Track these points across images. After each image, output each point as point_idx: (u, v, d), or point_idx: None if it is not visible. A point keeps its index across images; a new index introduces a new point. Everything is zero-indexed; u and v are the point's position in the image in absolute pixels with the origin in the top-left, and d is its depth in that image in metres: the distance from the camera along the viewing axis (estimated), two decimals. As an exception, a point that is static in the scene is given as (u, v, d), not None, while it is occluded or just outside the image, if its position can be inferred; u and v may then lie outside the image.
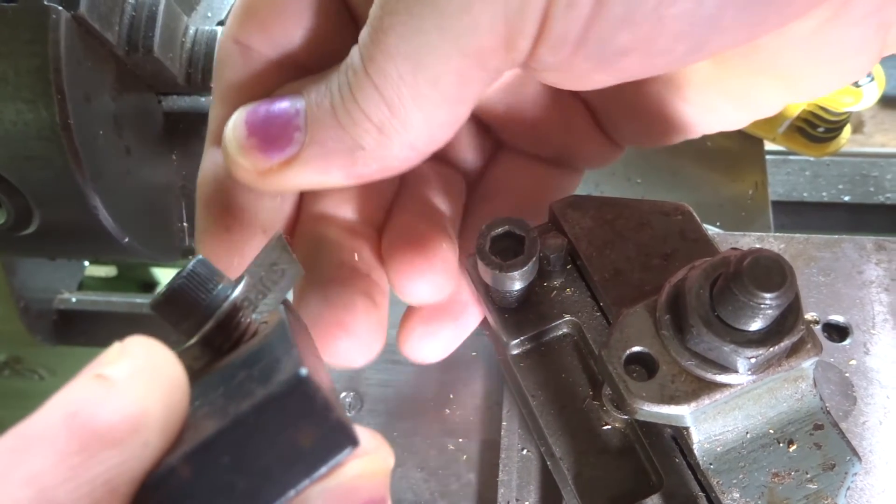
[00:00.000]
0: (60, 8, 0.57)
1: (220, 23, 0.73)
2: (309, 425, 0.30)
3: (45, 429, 0.27)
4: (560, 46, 0.34)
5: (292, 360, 0.30)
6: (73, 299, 1.02)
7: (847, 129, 0.83)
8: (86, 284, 1.12)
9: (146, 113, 0.70)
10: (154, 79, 0.68)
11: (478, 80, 0.36)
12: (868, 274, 0.55)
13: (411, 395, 0.58)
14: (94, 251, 0.84)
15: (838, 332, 0.54)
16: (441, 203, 0.48)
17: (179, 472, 0.29)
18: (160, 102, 0.72)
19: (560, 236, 0.49)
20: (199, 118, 0.74)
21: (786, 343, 0.40)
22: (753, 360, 0.40)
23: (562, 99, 0.48)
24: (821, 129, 0.81)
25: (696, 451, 0.43)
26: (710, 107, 0.46)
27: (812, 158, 0.92)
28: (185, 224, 0.76)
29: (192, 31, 0.70)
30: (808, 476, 0.43)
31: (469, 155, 0.51)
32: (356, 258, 0.44)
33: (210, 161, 0.44)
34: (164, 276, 1.25)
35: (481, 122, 0.51)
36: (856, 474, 0.43)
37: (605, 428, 0.49)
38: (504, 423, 0.53)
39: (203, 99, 0.72)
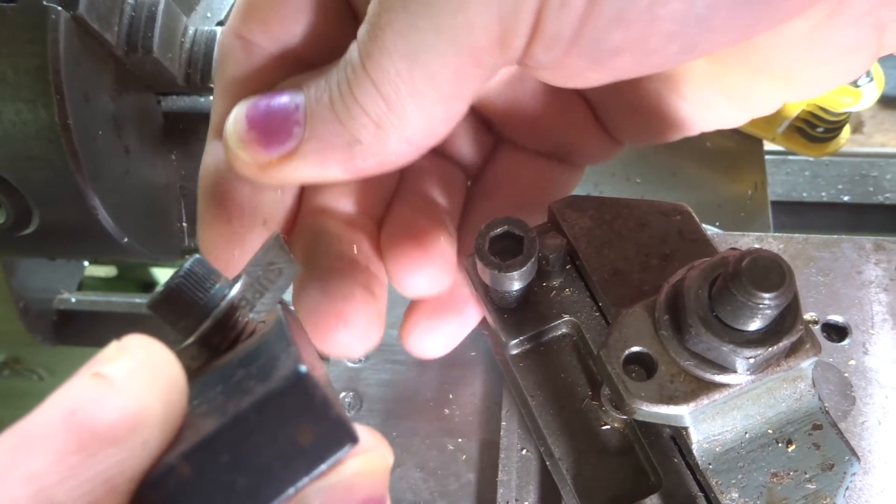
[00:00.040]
0: (60, 8, 0.57)
1: (220, 23, 0.73)
2: (308, 422, 0.30)
3: (43, 428, 0.27)
4: (553, 45, 0.34)
5: (291, 358, 0.30)
6: (73, 299, 1.02)
7: (846, 129, 0.83)
8: (85, 284, 1.12)
9: (145, 113, 0.70)
10: (153, 79, 0.68)
11: (474, 77, 0.36)
12: (867, 274, 0.55)
13: (411, 395, 0.58)
14: (94, 251, 0.84)
15: (837, 332, 0.54)
16: (440, 197, 0.49)
17: (179, 471, 0.29)
18: (159, 102, 0.72)
19: (559, 236, 0.49)
20: (199, 118, 0.74)
21: (784, 343, 0.40)
22: (752, 361, 0.40)
23: (561, 94, 0.49)
24: (820, 129, 0.81)
25: (695, 451, 0.43)
26: (707, 105, 0.46)
27: (811, 158, 0.92)
28: (184, 224, 0.76)
29: (191, 31, 0.70)
30: (807, 476, 0.43)
31: (469, 150, 0.51)
32: (355, 251, 0.44)
33: (211, 154, 0.45)
34: (164, 276, 1.25)
35: (481, 117, 0.51)
36: (854, 474, 0.43)
37: (604, 428, 0.49)
38: (503, 423, 0.53)
39: (202, 99, 0.72)
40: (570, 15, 0.33)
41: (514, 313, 0.50)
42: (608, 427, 0.49)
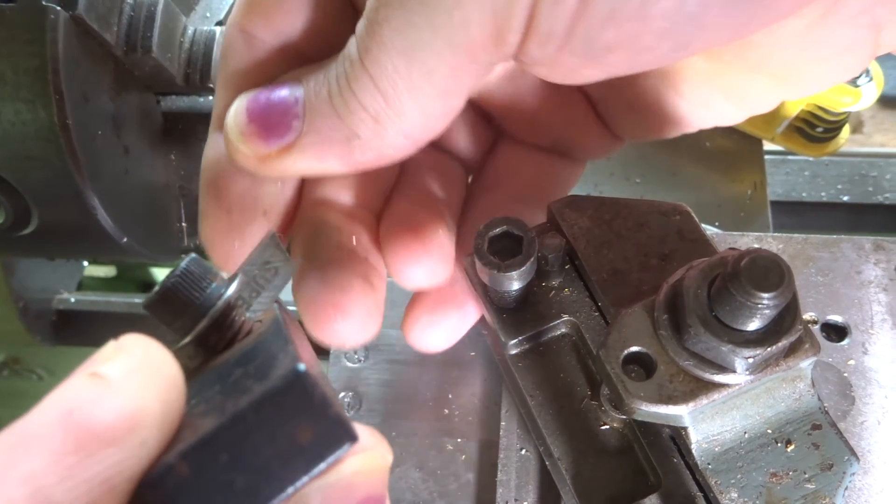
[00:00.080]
0: (59, 8, 0.57)
1: (219, 23, 0.73)
2: (307, 421, 0.30)
3: (40, 428, 0.27)
4: (547, 42, 0.35)
5: (289, 357, 0.30)
6: (72, 299, 1.02)
7: (846, 129, 0.83)
8: (85, 284, 1.12)
9: (145, 113, 0.70)
10: (152, 79, 0.68)
11: (470, 73, 0.37)
12: (866, 274, 0.55)
13: (410, 395, 0.58)
14: (93, 251, 0.84)
15: (837, 332, 0.54)
16: (440, 191, 0.49)
17: (177, 471, 0.29)
18: (159, 102, 0.72)
19: (558, 236, 0.49)
20: (198, 118, 0.74)
21: (783, 343, 0.40)
22: (751, 360, 0.40)
23: (562, 90, 0.49)
24: (819, 129, 0.81)
25: (694, 451, 0.43)
26: (705, 102, 0.46)
27: (811, 158, 0.92)
28: (183, 224, 0.76)
29: (190, 31, 0.70)
30: (806, 476, 0.43)
31: (469, 144, 0.52)
32: (354, 242, 0.45)
33: (213, 146, 0.45)
34: (163, 276, 1.25)
35: (482, 112, 0.51)
36: (854, 474, 0.43)
37: (603, 428, 0.49)
38: (503, 423, 0.53)
39: (201, 99, 0.72)
40: (563, 12, 0.33)
41: (513, 313, 0.50)
42: (607, 427, 0.49)
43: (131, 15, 0.63)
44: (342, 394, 0.58)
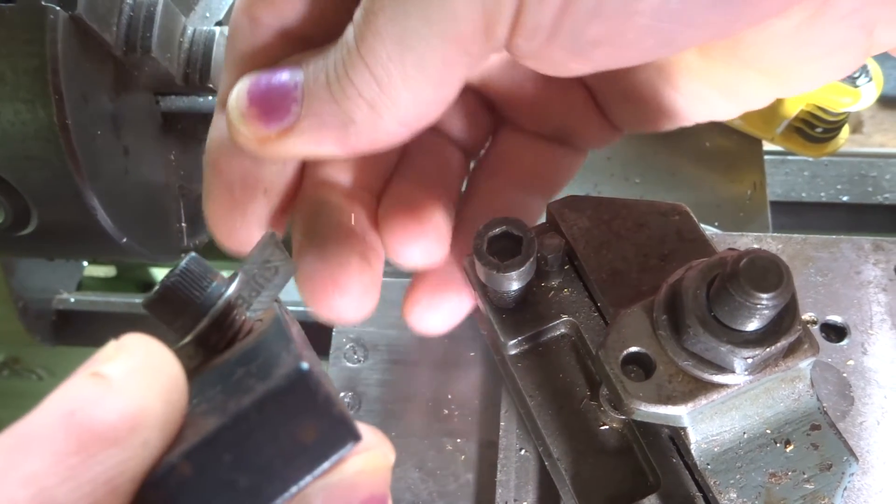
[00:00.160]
0: (58, 8, 0.57)
1: (219, 23, 0.73)
2: (310, 420, 0.30)
3: (42, 428, 0.27)
4: (534, 35, 0.36)
5: (292, 355, 0.30)
6: (72, 299, 1.02)
7: (845, 130, 0.83)
8: (85, 284, 1.12)
9: (144, 113, 0.70)
10: (152, 79, 0.68)
11: (461, 63, 0.37)
12: (866, 274, 0.55)
13: (409, 395, 0.58)
14: (93, 251, 0.84)
15: (836, 333, 0.54)
16: (439, 175, 0.50)
17: (180, 470, 0.29)
18: (158, 103, 0.72)
19: (557, 237, 0.49)
20: (198, 118, 0.74)
21: (782, 343, 0.40)
22: (750, 361, 0.40)
23: (561, 79, 0.49)
24: (819, 130, 0.81)
25: (693, 452, 0.43)
26: (699, 97, 0.47)
27: (810, 159, 0.92)
28: (183, 224, 0.76)
29: (189, 31, 0.70)
30: (805, 476, 0.43)
31: (470, 130, 0.52)
32: (353, 221, 0.46)
33: (217, 126, 0.46)
34: (163, 276, 1.25)
35: (483, 99, 0.52)
36: (853, 474, 0.44)
37: (602, 428, 0.49)
38: (502, 424, 0.53)
39: (201, 99, 0.72)
40: (549, 6, 0.34)
41: (512, 313, 0.50)
42: (607, 427, 0.49)
43: (131, 15, 0.63)
44: (342, 394, 0.58)
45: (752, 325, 0.39)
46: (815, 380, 0.50)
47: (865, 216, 0.94)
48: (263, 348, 0.32)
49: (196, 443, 0.29)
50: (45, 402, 0.28)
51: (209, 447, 0.29)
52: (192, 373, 0.33)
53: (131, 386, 0.29)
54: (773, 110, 0.80)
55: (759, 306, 0.38)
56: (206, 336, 0.34)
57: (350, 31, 0.38)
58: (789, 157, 0.95)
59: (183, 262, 0.34)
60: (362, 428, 0.31)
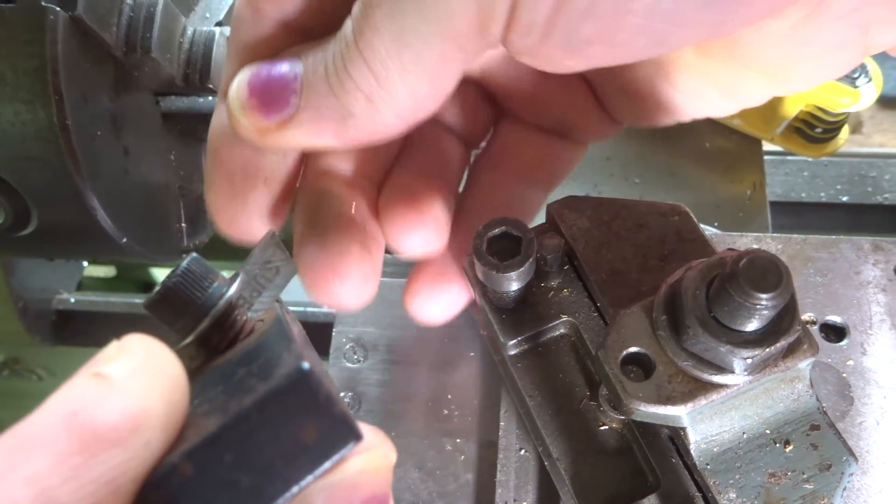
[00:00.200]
0: (58, 9, 0.57)
1: (219, 23, 0.73)
2: (312, 419, 0.30)
3: (44, 429, 0.27)
4: (529, 33, 0.36)
5: (293, 355, 0.30)
6: (72, 299, 1.02)
7: (845, 130, 0.83)
8: (85, 285, 1.12)
9: (144, 113, 0.70)
10: (152, 79, 0.68)
11: (457, 59, 0.38)
12: (865, 274, 0.55)
13: (409, 395, 0.58)
14: (93, 251, 0.84)
15: (835, 333, 0.54)
16: (440, 166, 0.50)
17: (181, 470, 0.29)
18: (158, 103, 0.72)
19: (557, 237, 0.49)
20: (198, 118, 0.74)
21: (782, 344, 0.40)
22: (749, 361, 0.40)
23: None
24: (819, 130, 0.81)
25: (692, 452, 0.43)
26: (696, 94, 0.47)
27: (810, 159, 0.92)
28: (183, 224, 0.76)
29: (189, 31, 0.70)
30: (805, 476, 0.43)
31: (472, 122, 0.53)
32: (353, 210, 0.47)
33: (219, 115, 0.46)
34: (163, 276, 1.24)
35: (484, 91, 0.52)
36: (852, 474, 0.44)
37: (602, 428, 0.49)
38: (502, 424, 0.53)
39: (201, 99, 0.72)
40: (543, 5, 0.35)
41: (512, 314, 0.50)
42: (606, 427, 0.49)
43: (131, 15, 0.63)
44: (342, 394, 0.58)
45: (752, 326, 0.39)
46: (815, 380, 0.50)
47: (865, 216, 0.94)
48: (265, 348, 0.33)
49: (197, 443, 0.29)
50: (47, 402, 0.28)
51: (210, 447, 0.29)
52: (193, 373, 0.33)
53: (133, 386, 0.29)
54: (773, 110, 0.80)
55: (758, 306, 0.38)
56: (207, 336, 0.34)
57: (348, 25, 0.38)
58: (789, 158, 0.95)
59: (184, 263, 0.34)
60: (363, 428, 0.31)
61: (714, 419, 0.43)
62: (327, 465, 0.30)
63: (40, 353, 1.05)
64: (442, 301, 0.50)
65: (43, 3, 0.57)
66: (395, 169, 0.49)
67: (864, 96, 0.75)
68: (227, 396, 0.30)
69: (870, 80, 0.75)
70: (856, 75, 0.75)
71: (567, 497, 0.48)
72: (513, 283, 0.46)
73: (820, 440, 0.44)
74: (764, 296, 0.37)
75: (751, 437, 0.44)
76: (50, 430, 0.27)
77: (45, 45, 0.57)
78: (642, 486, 0.48)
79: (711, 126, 0.85)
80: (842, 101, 0.76)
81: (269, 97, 0.40)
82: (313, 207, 0.47)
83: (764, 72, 0.45)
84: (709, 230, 0.64)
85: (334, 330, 0.61)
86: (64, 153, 0.59)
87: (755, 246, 0.55)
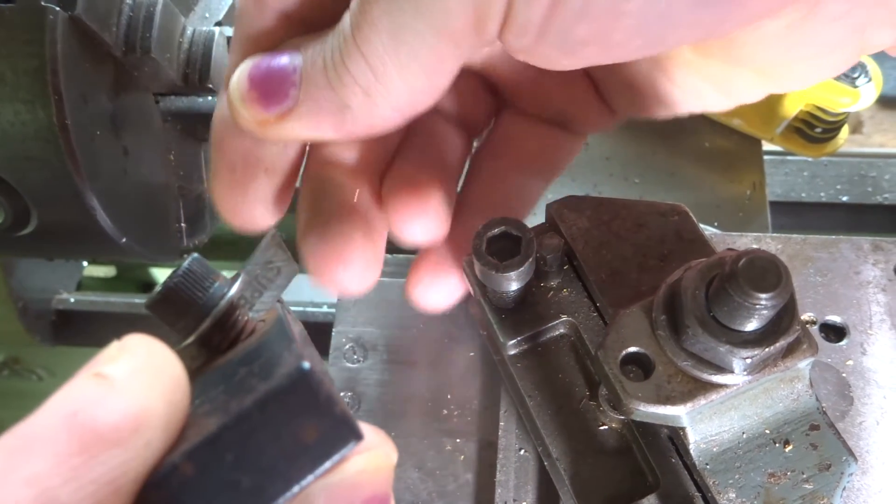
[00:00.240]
0: (58, 9, 0.57)
1: (218, 23, 0.73)
2: (312, 419, 0.30)
3: (44, 429, 0.27)
4: (524, 33, 0.36)
5: (293, 355, 0.30)
6: (72, 299, 1.02)
7: (845, 130, 0.83)
8: (84, 284, 1.12)
9: (144, 113, 0.70)
10: (151, 79, 0.68)
11: (454, 56, 0.38)
12: (865, 274, 0.55)
13: (409, 395, 0.58)
14: (92, 251, 0.84)
15: (835, 333, 0.54)
16: (442, 155, 0.51)
17: (182, 470, 0.29)
18: (158, 103, 0.72)
19: (557, 237, 0.49)
20: (197, 118, 0.74)
21: (781, 343, 0.40)
22: (749, 361, 0.40)
23: None
24: (818, 130, 0.81)
25: (692, 452, 0.43)
26: (693, 89, 0.48)
27: (810, 159, 0.92)
28: (182, 224, 0.76)
29: (189, 31, 0.70)
30: (804, 476, 0.43)
31: (472, 111, 0.53)
32: (356, 199, 0.47)
33: (222, 105, 0.46)
34: (163, 276, 1.24)
35: (485, 81, 0.53)
36: (852, 474, 0.44)
37: (601, 428, 0.49)
38: (501, 424, 0.53)
39: (200, 99, 0.72)
40: (537, 7, 0.35)
41: (511, 314, 0.50)
42: (606, 427, 0.49)
43: (130, 15, 0.63)
44: (341, 394, 0.58)
45: (751, 326, 0.39)
46: (815, 380, 0.50)
47: (865, 216, 0.94)
48: (265, 348, 0.33)
49: (198, 443, 0.29)
50: (48, 402, 0.28)
51: (211, 447, 0.29)
52: (194, 373, 0.33)
53: (134, 386, 0.29)
54: (773, 110, 0.80)
55: (757, 306, 0.38)
56: (208, 336, 0.34)
57: (346, 20, 0.38)
58: (789, 158, 0.95)
59: (185, 263, 0.34)
60: (364, 427, 0.31)
61: (713, 419, 0.43)
62: (328, 464, 0.30)
63: (40, 353, 1.05)
64: (443, 289, 0.50)
65: (42, 3, 0.57)
66: (398, 158, 0.50)
67: (864, 96, 0.75)
68: (227, 396, 0.30)
69: (870, 79, 0.75)
70: (856, 75, 0.75)
71: (567, 497, 0.48)
72: (512, 283, 0.46)
73: (819, 440, 0.44)
74: (763, 296, 0.37)
75: (750, 437, 0.44)
76: (50, 431, 0.27)
77: (44, 45, 0.57)
78: (642, 485, 0.48)
79: (711, 126, 0.85)
80: (841, 101, 0.76)
81: (269, 89, 0.41)
82: (317, 196, 0.47)
83: (760, 71, 0.45)
84: (708, 230, 0.64)
85: (334, 330, 0.61)
86: (63, 153, 0.59)
87: (755, 246, 0.55)
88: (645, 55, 0.41)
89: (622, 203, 0.50)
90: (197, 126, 0.74)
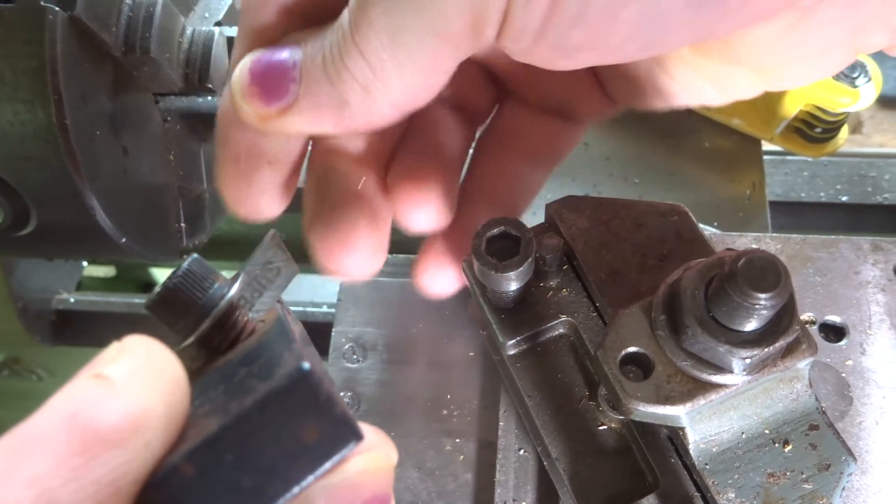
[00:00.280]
0: (57, 9, 0.57)
1: (218, 23, 0.73)
2: (312, 420, 0.30)
3: (45, 430, 0.27)
4: (521, 38, 0.37)
5: (293, 355, 0.30)
6: (72, 299, 1.01)
7: (844, 130, 0.83)
8: (84, 285, 1.12)
9: (143, 113, 0.70)
10: (151, 79, 0.68)
11: (451, 57, 0.39)
12: (865, 274, 0.55)
13: (409, 395, 0.58)
14: (92, 251, 0.84)
15: (835, 333, 0.54)
16: (446, 143, 0.51)
17: (182, 471, 0.29)
18: (157, 103, 0.72)
19: (556, 237, 0.49)
20: (197, 118, 0.74)
21: (780, 343, 0.40)
22: (748, 361, 0.40)
23: None
24: (818, 130, 0.81)
25: (691, 452, 0.43)
26: (690, 84, 0.48)
27: (810, 159, 0.92)
28: (182, 224, 0.76)
29: (189, 31, 0.70)
30: (804, 476, 0.43)
31: (475, 101, 0.54)
32: (360, 186, 0.48)
33: (227, 98, 0.47)
34: (163, 276, 1.24)
35: (488, 71, 0.53)
36: (851, 474, 0.44)
37: (601, 428, 0.50)
38: (501, 424, 0.53)
39: (200, 99, 0.72)
40: (535, 11, 0.35)
41: (511, 313, 0.50)
42: (605, 427, 0.49)
43: (130, 15, 0.63)
44: (341, 394, 0.58)
45: (751, 326, 0.39)
46: (814, 380, 0.50)
47: (864, 216, 0.94)
48: (265, 349, 0.33)
49: (198, 443, 0.29)
50: (48, 403, 0.28)
51: (211, 447, 0.29)
52: (194, 374, 0.33)
53: (134, 387, 0.29)
54: (773, 110, 0.80)
55: (756, 306, 0.38)
56: (208, 337, 0.34)
57: (345, 16, 0.39)
58: (788, 158, 0.95)
59: (185, 264, 0.34)
60: (364, 428, 0.31)
61: (713, 419, 0.43)
62: (328, 465, 0.30)
63: (40, 353, 1.05)
64: (448, 276, 0.51)
65: (42, 3, 0.57)
66: (401, 148, 0.50)
67: (864, 96, 0.75)
68: (227, 397, 0.30)
69: (869, 79, 0.75)
70: (855, 75, 0.75)
71: (566, 497, 0.48)
72: (512, 283, 0.46)
73: (819, 440, 0.44)
74: (762, 296, 0.37)
75: (750, 437, 0.44)
76: (51, 432, 0.27)
77: (44, 44, 0.57)
78: (641, 485, 0.48)
79: (711, 126, 0.85)
80: (841, 101, 0.76)
81: (270, 85, 0.41)
82: (322, 184, 0.48)
83: (756, 69, 0.45)
84: (708, 230, 0.64)
85: (334, 330, 0.61)
86: (63, 153, 0.59)
87: (754, 246, 0.55)
88: (641, 58, 0.41)
89: (622, 203, 0.50)
90: (197, 126, 0.74)
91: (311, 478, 0.30)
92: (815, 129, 0.81)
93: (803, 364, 0.42)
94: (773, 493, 0.42)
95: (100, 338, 1.00)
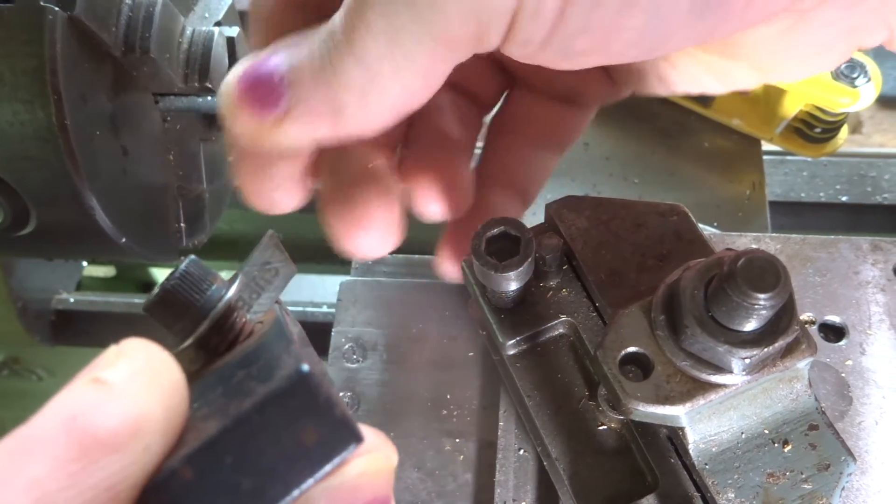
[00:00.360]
0: (57, 8, 0.57)
1: (218, 23, 0.73)
2: (312, 422, 0.30)
3: (43, 434, 0.27)
4: (525, 46, 0.37)
5: (292, 357, 0.30)
6: (72, 299, 1.01)
7: (844, 130, 0.83)
8: (84, 285, 1.12)
9: (143, 113, 0.70)
10: (151, 79, 0.68)
11: (451, 60, 0.38)
12: (864, 274, 0.55)
13: (408, 395, 0.58)
14: (92, 252, 0.84)
15: (834, 333, 0.54)
16: (457, 130, 0.52)
17: (181, 475, 0.29)
18: (157, 103, 0.72)
19: (556, 237, 0.49)
20: (197, 118, 0.74)
21: (780, 343, 0.40)
22: (748, 361, 0.40)
23: None
24: (818, 130, 0.81)
25: (691, 452, 0.43)
26: (690, 74, 0.49)
27: (809, 159, 0.92)
28: (182, 224, 0.76)
29: (189, 31, 0.70)
30: (803, 476, 0.43)
31: (484, 88, 0.55)
32: (372, 167, 0.49)
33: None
34: (163, 276, 1.24)
35: (496, 59, 0.53)
36: (851, 474, 0.44)
37: (600, 428, 0.50)
38: (501, 424, 0.53)
39: (200, 99, 0.72)
40: (541, 24, 0.35)
41: (511, 313, 0.50)
42: (605, 427, 0.49)
43: (129, 15, 0.63)
44: (341, 394, 0.58)
45: (750, 326, 0.39)
46: (814, 380, 0.50)
47: (864, 216, 0.94)
48: (264, 350, 0.32)
49: (197, 447, 0.29)
50: (47, 407, 0.28)
51: (210, 451, 0.29)
52: (192, 376, 0.32)
53: (132, 391, 0.29)
54: (772, 111, 0.80)
55: (756, 306, 0.38)
56: (206, 339, 0.34)
57: (338, 19, 0.38)
58: (788, 158, 0.95)
59: (182, 265, 0.34)
60: (364, 429, 0.31)
61: (712, 419, 0.43)
62: (328, 467, 0.30)
63: (40, 353, 1.05)
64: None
65: (41, 3, 0.57)
66: (414, 133, 0.51)
67: (864, 96, 0.75)
68: (226, 399, 0.30)
69: (869, 79, 0.75)
70: (855, 75, 0.75)
71: (566, 497, 0.48)
72: (511, 283, 0.46)
73: (818, 440, 0.44)
74: (762, 296, 0.37)
75: (749, 437, 0.44)
76: (49, 436, 0.27)
77: (43, 44, 0.57)
78: (641, 486, 0.48)
79: (711, 126, 0.85)
80: (841, 101, 0.76)
81: (261, 95, 0.40)
82: (336, 167, 0.49)
83: (754, 65, 0.46)
84: (708, 230, 0.64)
85: (333, 330, 0.61)
86: (62, 153, 0.59)
87: (754, 246, 0.55)
88: (643, 59, 0.42)
89: (621, 203, 0.50)
90: (197, 126, 0.74)
91: (311, 481, 0.30)
92: (814, 129, 0.81)
93: (803, 364, 0.42)
94: (772, 493, 0.42)
95: (100, 338, 1.00)
